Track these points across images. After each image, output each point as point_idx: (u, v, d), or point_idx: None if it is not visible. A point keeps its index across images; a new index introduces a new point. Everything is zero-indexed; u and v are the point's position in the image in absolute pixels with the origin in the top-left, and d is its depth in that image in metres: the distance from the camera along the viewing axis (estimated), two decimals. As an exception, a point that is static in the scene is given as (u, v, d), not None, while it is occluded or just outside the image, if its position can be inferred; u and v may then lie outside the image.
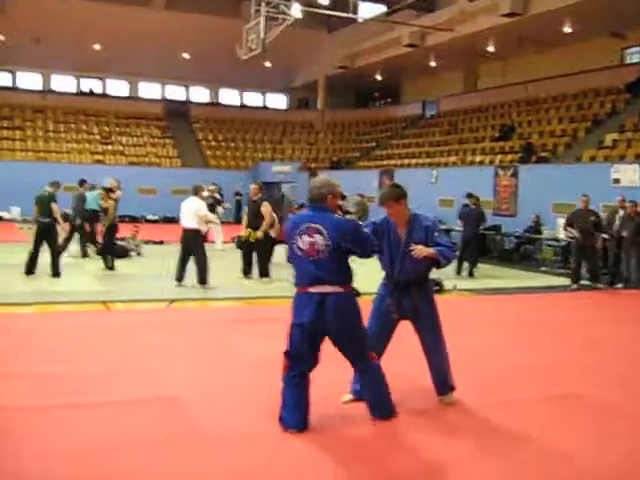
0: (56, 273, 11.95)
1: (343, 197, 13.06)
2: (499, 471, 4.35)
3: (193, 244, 11.31)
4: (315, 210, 4.96)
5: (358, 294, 5.20)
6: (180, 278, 11.40)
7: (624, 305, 11.78)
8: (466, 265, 14.21)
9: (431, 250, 5.26)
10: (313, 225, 4.85)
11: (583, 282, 12.99)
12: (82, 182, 15.90)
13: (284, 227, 5.35)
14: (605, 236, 13.46)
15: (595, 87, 23.86)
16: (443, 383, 5.64)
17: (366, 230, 5.13)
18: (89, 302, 9.93)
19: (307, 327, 4.85)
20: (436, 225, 5.53)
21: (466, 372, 6.27)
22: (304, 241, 4.84)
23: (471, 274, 14.13)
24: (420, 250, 5.22)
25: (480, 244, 15.00)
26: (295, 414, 4.86)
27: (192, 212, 11.27)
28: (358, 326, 4.97)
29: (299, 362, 4.91)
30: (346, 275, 4.91)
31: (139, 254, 16.00)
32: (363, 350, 5.04)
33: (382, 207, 5.44)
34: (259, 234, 12.15)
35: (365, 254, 4.99)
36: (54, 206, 11.96)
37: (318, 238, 4.81)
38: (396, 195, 5.40)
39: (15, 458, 4.30)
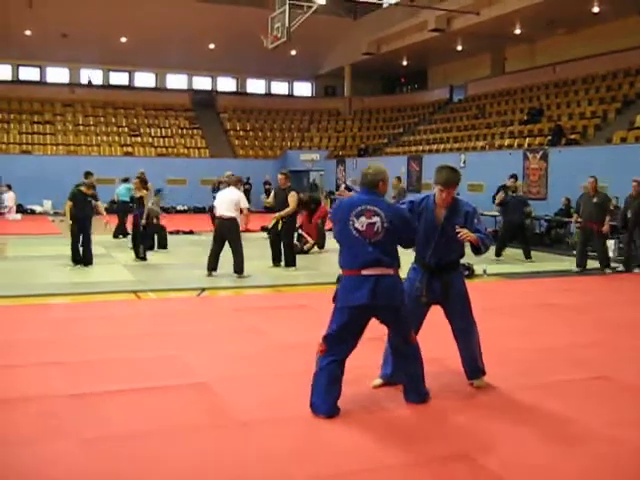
0: (88, 261, 12.37)
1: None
2: (542, 453, 4.34)
3: (231, 233, 11.38)
4: (369, 194, 5.02)
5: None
6: (214, 268, 11.44)
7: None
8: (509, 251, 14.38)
9: (475, 236, 5.28)
10: (371, 207, 4.91)
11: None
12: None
13: (331, 210, 5.41)
14: (613, 223, 13.15)
15: (625, 67, 23.52)
16: (474, 367, 5.63)
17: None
18: (120, 292, 10.04)
19: (358, 310, 4.86)
20: (476, 212, 5.53)
21: (497, 355, 6.27)
22: (362, 222, 4.88)
23: (529, 257, 14.19)
24: (467, 234, 5.22)
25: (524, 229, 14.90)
26: (327, 400, 4.88)
27: (231, 201, 11.37)
28: (403, 305, 5.03)
29: (338, 347, 4.92)
30: (397, 258, 4.99)
31: None
32: (408, 332, 5.11)
33: (442, 189, 5.36)
34: (277, 216, 12.30)
35: (409, 241, 5.13)
36: (99, 207, 13.20)
37: (376, 220, 4.87)
38: (458, 180, 5.43)
39: (54, 443, 4.39)
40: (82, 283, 10.78)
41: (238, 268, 11.37)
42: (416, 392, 5.20)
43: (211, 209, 19.23)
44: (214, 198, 18.73)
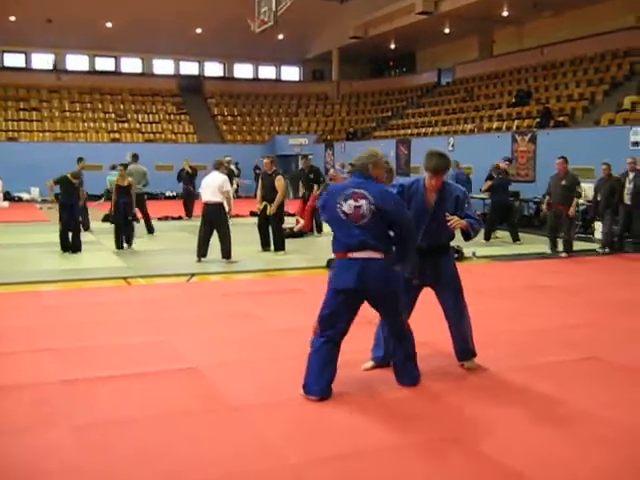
0: (77, 248, 12.41)
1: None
2: (533, 434, 4.36)
3: (217, 218, 11.36)
4: (359, 178, 5.02)
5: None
6: (204, 254, 11.44)
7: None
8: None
9: (465, 222, 5.29)
10: (358, 190, 4.91)
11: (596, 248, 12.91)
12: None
13: (319, 199, 5.39)
14: (581, 201, 13.06)
15: (612, 49, 23.52)
16: (465, 349, 5.66)
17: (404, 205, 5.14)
18: (110, 278, 10.03)
19: (347, 292, 4.90)
20: (466, 196, 5.53)
21: (487, 337, 6.30)
22: (349, 205, 4.89)
23: (517, 239, 14.20)
24: (457, 222, 5.25)
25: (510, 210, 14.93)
26: (319, 381, 4.90)
27: (215, 186, 11.32)
28: (397, 292, 5.03)
29: (331, 327, 4.94)
30: (387, 243, 4.97)
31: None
32: (397, 315, 5.12)
33: (430, 175, 5.38)
34: (273, 209, 12.22)
35: (405, 229, 5.00)
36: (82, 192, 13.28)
37: (363, 203, 4.86)
38: (448, 165, 5.43)
39: (48, 430, 4.39)
40: (72, 270, 10.75)
41: (226, 253, 11.37)
42: (409, 375, 5.23)
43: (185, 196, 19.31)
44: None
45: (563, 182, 12.42)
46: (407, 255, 5.08)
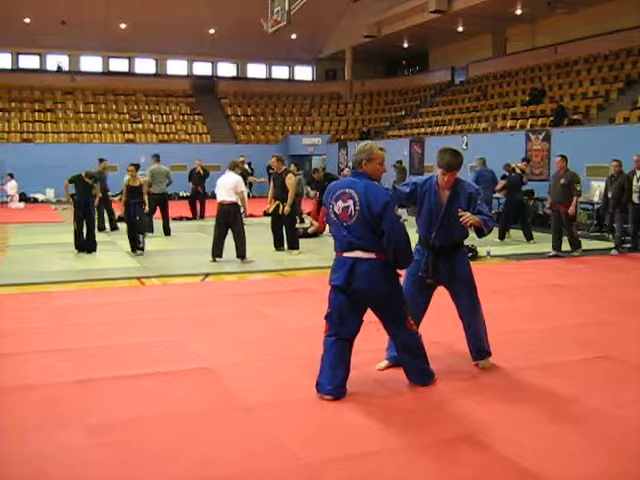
0: (92, 248, 12.48)
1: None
2: (547, 433, 4.33)
3: (232, 217, 11.38)
4: (354, 176, 5.00)
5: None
6: (219, 254, 11.45)
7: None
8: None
9: (477, 218, 5.26)
10: (347, 190, 4.88)
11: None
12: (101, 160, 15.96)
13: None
14: (596, 199, 12.85)
15: (627, 47, 23.37)
16: (479, 348, 5.63)
17: (398, 214, 4.88)
18: (124, 278, 10.06)
19: (340, 289, 4.90)
20: (479, 193, 5.51)
21: (502, 336, 6.27)
22: (339, 206, 4.89)
23: (531, 237, 14.16)
24: (469, 217, 5.21)
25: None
26: (332, 381, 4.88)
27: (230, 186, 11.34)
28: (391, 292, 4.95)
29: (338, 326, 4.93)
30: (378, 243, 4.83)
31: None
32: (398, 316, 5.03)
33: (443, 172, 5.36)
34: (287, 209, 12.21)
35: (390, 234, 4.76)
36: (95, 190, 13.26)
37: (350, 204, 4.83)
38: (460, 163, 5.40)
39: (61, 430, 4.40)
40: (86, 270, 10.78)
41: (240, 253, 11.38)
42: (419, 375, 5.20)
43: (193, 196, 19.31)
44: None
45: (562, 181, 12.18)
46: (399, 262, 4.91)
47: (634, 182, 12.63)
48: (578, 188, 12.29)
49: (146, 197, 13.13)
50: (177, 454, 4.03)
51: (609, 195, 12.94)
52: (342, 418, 4.58)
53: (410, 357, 5.16)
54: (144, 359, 5.94)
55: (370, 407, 4.75)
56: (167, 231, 15.39)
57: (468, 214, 5.24)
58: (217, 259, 11.40)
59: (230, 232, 11.45)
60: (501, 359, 5.73)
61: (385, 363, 5.55)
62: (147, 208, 12.98)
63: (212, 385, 5.27)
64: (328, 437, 4.29)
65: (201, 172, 19.10)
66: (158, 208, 15.23)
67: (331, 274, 5.02)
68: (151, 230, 15.00)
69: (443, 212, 5.37)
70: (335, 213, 4.92)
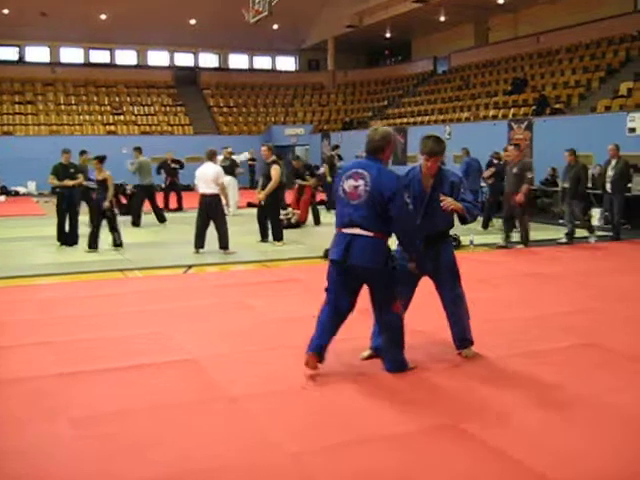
0: (74, 241, 12.37)
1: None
2: (532, 420, 4.36)
3: (214, 209, 11.33)
4: (369, 159, 5.09)
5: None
6: (202, 245, 11.41)
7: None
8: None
9: (459, 204, 5.28)
10: (360, 171, 5.00)
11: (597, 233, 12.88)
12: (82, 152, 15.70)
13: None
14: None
15: (608, 36, 23.49)
16: (462, 337, 5.64)
17: (407, 200, 5.03)
18: (107, 271, 10.01)
19: (337, 264, 5.05)
20: (462, 181, 5.53)
21: (486, 325, 6.29)
22: (349, 184, 5.01)
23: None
24: (450, 202, 5.26)
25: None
26: (316, 339, 5.10)
27: (210, 178, 11.27)
28: (383, 270, 5.01)
29: (335, 300, 5.12)
30: (380, 224, 4.95)
31: None
32: (388, 296, 5.10)
33: (426, 158, 5.39)
34: (262, 195, 12.19)
35: (397, 219, 4.92)
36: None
37: (361, 183, 4.94)
38: (442, 149, 5.44)
39: (46, 423, 4.38)
40: (68, 263, 10.72)
41: (223, 244, 11.35)
42: (392, 360, 5.24)
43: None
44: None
45: (514, 170, 12.02)
46: (405, 247, 5.19)
47: (608, 171, 12.73)
48: (529, 176, 12.23)
49: (110, 192, 12.00)
50: (161, 446, 4.02)
51: (565, 185, 12.84)
52: (327, 408, 4.59)
53: (388, 340, 5.20)
54: (128, 351, 5.91)
55: (354, 396, 4.76)
56: (162, 218, 15.77)
57: (449, 199, 5.28)
58: (199, 250, 11.37)
59: (212, 223, 11.41)
60: (485, 347, 5.74)
61: (368, 352, 5.55)
62: (107, 204, 11.85)
63: (196, 377, 5.25)
64: (313, 428, 4.29)
65: (170, 164, 19.08)
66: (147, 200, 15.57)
67: (330, 249, 5.19)
68: (138, 224, 15.31)
69: (427, 200, 5.39)
70: (344, 190, 5.03)
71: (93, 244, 11.73)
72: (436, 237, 5.50)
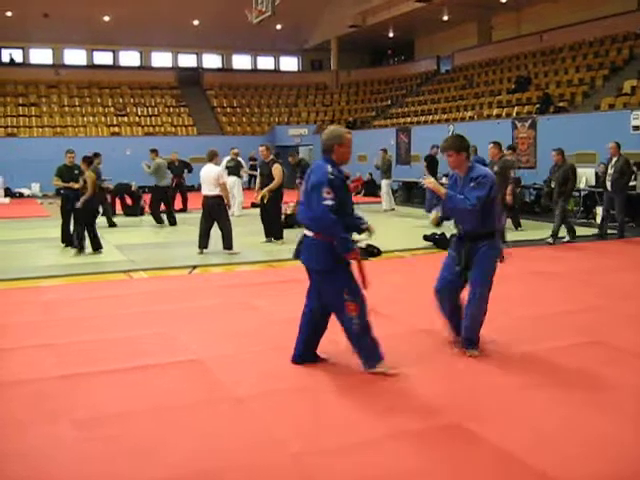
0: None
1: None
2: (537, 418, 4.35)
3: (217, 211, 11.33)
4: (323, 159, 5.14)
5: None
6: (205, 246, 11.41)
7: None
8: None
9: (441, 189, 5.46)
10: (309, 171, 5.12)
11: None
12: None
13: None
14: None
15: (612, 33, 23.44)
16: (470, 338, 5.63)
17: (325, 195, 4.86)
18: (112, 272, 10.01)
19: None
20: (479, 179, 5.45)
21: (492, 323, 6.24)
22: (302, 189, 5.21)
23: (519, 225, 14.10)
24: (429, 181, 5.56)
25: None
26: (295, 348, 5.32)
27: (212, 180, 11.25)
28: (327, 271, 5.05)
29: (308, 298, 5.30)
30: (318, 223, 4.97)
31: None
32: (336, 298, 5.08)
33: (444, 154, 5.55)
34: (264, 192, 12.18)
35: (313, 214, 4.94)
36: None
37: (303, 185, 5.16)
38: (457, 146, 5.51)
39: (49, 425, 4.37)
40: (73, 264, 10.72)
41: (227, 244, 11.35)
42: (362, 358, 5.16)
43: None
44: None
45: (495, 168, 11.87)
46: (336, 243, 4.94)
47: (609, 170, 12.68)
48: (512, 175, 12.19)
49: (89, 193, 11.47)
50: (166, 447, 4.01)
51: (552, 185, 12.76)
52: (332, 408, 4.58)
53: (351, 342, 5.18)
54: (132, 352, 5.91)
55: (357, 397, 4.75)
56: (173, 221, 15.85)
57: (430, 179, 5.58)
58: (204, 251, 11.37)
59: (216, 224, 11.41)
60: (491, 346, 5.74)
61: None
62: (79, 204, 11.41)
63: (201, 377, 5.25)
64: (318, 427, 4.29)
65: (176, 163, 19.09)
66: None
67: None
68: (161, 221, 15.82)
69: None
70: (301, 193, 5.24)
71: (77, 244, 11.51)
72: (476, 236, 5.51)
